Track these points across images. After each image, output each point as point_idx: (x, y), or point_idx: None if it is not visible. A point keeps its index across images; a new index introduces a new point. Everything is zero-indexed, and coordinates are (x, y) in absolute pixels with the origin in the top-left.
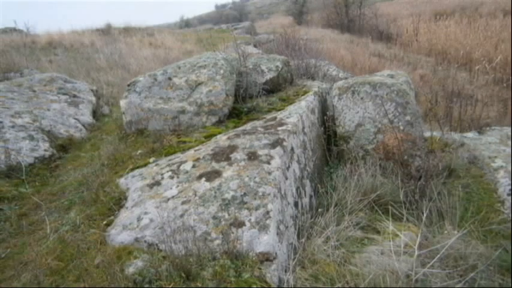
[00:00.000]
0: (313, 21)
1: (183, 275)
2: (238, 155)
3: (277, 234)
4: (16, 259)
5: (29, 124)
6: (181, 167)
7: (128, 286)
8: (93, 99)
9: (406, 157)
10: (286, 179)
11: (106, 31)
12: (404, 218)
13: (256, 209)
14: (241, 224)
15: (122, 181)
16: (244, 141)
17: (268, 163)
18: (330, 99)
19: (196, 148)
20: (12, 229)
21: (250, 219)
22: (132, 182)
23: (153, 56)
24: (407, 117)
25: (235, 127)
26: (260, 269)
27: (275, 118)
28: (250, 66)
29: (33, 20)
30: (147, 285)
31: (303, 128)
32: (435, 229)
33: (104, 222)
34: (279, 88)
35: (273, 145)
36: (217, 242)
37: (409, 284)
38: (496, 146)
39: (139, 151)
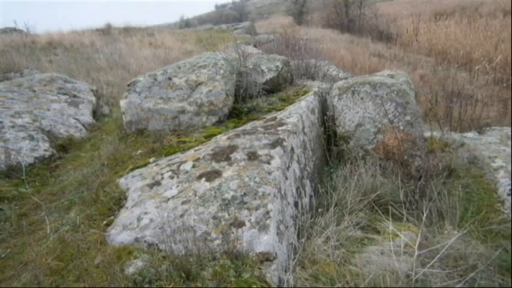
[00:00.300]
0: (313, 21)
1: (183, 275)
2: (238, 155)
3: (277, 234)
4: (16, 259)
5: (29, 124)
6: (181, 167)
7: (128, 286)
8: (93, 99)
9: (406, 157)
10: (286, 179)
11: (106, 31)
12: (404, 218)
13: (256, 209)
14: (241, 224)
15: (121, 181)
16: (244, 141)
17: (268, 163)
18: (330, 99)
19: (196, 148)
20: (12, 229)
21: (250, 219)
22: (132, 182)
23: (153, 56)
24: (407, 117)
25: (235, 127)
26: (260, 269)
27: (275, 118)
28: (250, 66)
29: (33, 20)
30: (147, 285)
31: (303, 128)
32: (435, 229)
33: (104, 222)
34: (279, 88)
35: (273, 145)
36: (217, 242)
37: (409, 284)
38: (496, 146)
39: (139, 151)
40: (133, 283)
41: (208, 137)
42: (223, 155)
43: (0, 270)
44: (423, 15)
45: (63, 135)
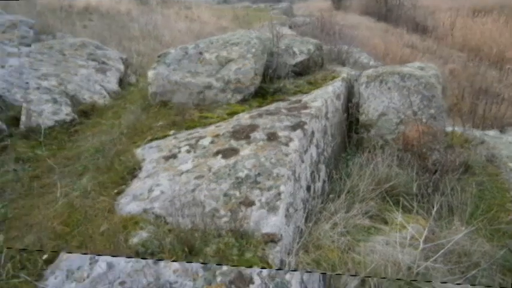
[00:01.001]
0: (352, 7)
1: (186, 249)
2: (257, 135)
3: (286, 216)
4: (23, 220)
5: (54, 87)
6: (200, 142)
7: (129, 256)
8: (122, 67)
9: (424, 150)
10: (302, 162)
11: (144, 0)
12: (414, 211)
13: (268, 189)
14: (251, 203)
15: (138, 151)
16: (266, 121)
17: (287, 145)
18: (357, 86)
19: (217, 124)
20: (23, 190)
21: (260, 199)
22: (149, 153)
23: (187, 29)
24: (432, 111)
25: (259, 106)
26: (264, 249)
27: (300, 101)
28: (283, 47)
29: None
30: (149, 257)
31: (326, 112)
32: (443, 224)
33: (115, 191)
34: (308, 71)
35: (294, 127)
36: (225, 219)
37: (409, 276)
38: None
39: (160, 123)
40: (135, 253)
41: (231, 114)
42: (243, 133)
43: (6, 230)
44: (462, 10)
45: (86, 101)
